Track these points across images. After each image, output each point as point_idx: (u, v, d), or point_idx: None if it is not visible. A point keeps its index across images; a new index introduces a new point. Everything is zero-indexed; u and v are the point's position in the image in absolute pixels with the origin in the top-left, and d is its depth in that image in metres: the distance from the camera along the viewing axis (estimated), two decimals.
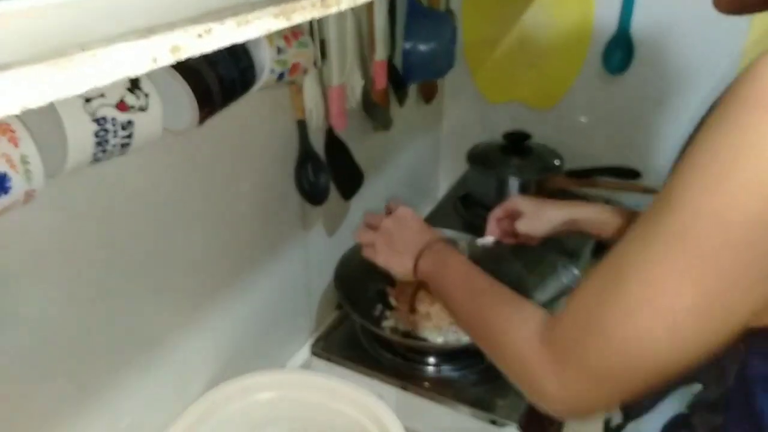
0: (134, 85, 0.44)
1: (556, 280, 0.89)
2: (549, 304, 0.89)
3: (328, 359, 0.88)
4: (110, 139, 0.43)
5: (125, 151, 0.46)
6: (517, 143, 1.16)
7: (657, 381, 0.40)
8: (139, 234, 0.62)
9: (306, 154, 0.82)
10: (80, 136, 0.40)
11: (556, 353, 0.44)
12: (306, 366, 0.93)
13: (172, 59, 0.21)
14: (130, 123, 0.44)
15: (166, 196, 0.64)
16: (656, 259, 0.37)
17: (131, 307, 0.64)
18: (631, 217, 0.74)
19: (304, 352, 0.94)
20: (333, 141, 0.87)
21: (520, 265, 0.90)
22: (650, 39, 1.09)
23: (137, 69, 0.20)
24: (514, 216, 0.84)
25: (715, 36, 1.03)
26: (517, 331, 0.48)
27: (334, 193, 0.87)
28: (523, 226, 0.82)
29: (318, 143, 0.84)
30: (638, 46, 1.10)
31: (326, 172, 0.84)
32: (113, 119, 0.43)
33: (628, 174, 1.17)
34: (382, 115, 1.00)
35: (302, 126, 0.80)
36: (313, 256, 0.94)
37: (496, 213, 0.85)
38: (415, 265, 0.67)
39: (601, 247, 1.16)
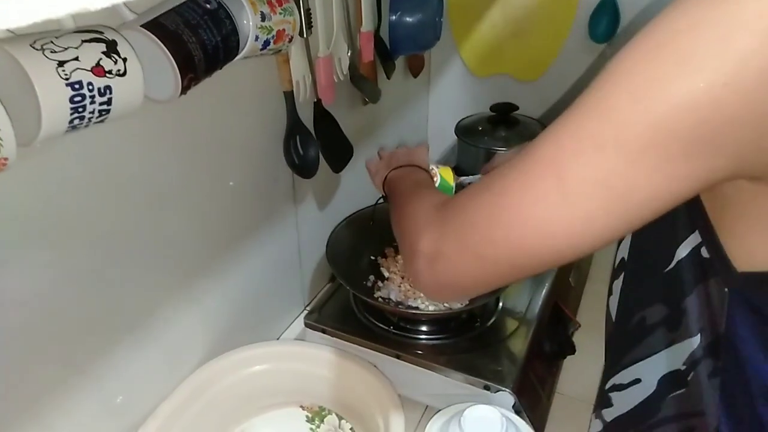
0: (111, 48, 0.44)
1: None
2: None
3: (322, 331, 0.88)
4: (87, 105, 0.42)
5: (104, 118, 0.45)
6: (503, 115, 1.16)
7: (540, 256, 0.39)
8: (125, 209, 0.61)
9: (294, 127, 0.82)
10: (54, 101, 0.40)
11: (441, 213, 0.44)
12: (300, 338, 0.93)
13: None
14: (108, 88, 0.43)
15: (151, 169, 0.63)
16: (571, 119, 0.36)
17: (120, 285, 0.63)
18: None
19: (298, 324, 0.95)
20: (321, 113, 0.86)
21: None
22: (636, 5, 1.08)
23: (97, 2, 0.19)
24: None
25: None
26: (419, 205, 0.50)
27: (324, 167, 0.87)
28: None
29: (306, 116, 0.84)
30: (624, 12, 1.09)
31: (315, 145, 0.84)
32: (90, 84, 0.42)
33: None
34: (370, 88, 0.99)
35: (290, 98, 0.79)
36: (305, 229, 0.94)
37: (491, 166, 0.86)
38: (384, 180, 0.73)
39: None
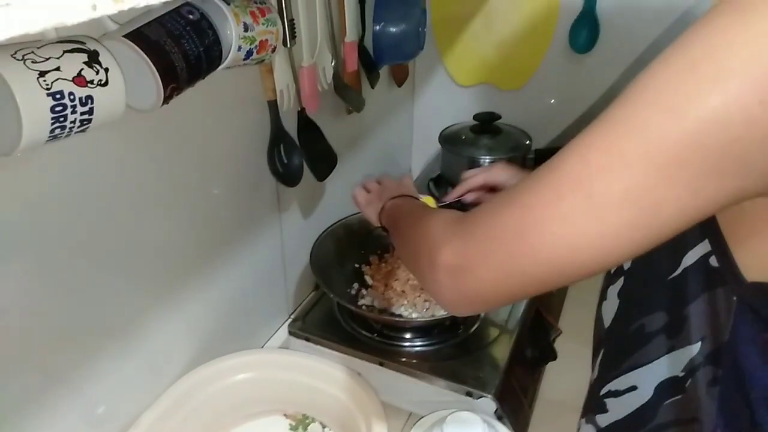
0: (92, 58, 0.44)
1: None
2: None
3: (306, 339, 0.89)
4: (69, 115, 0.43)
5: (86, 128, 0.45)
6: (487, 124, 1.17)
7: (565, 272, 0.39)
8: (107, 218, 0.61)
9: (278, 136, 0.82)
10: (35, 111, 0.40)
11: (462, 227, 0.43)
12: (284, 347, 0.93)
13: (113, 8, 0.21)
14: (89, 98, 0.44)
15: (134, 177, 0.63)
16: (599, 134, 0.36)
17: (102, 293, 0.63)
18: None
19: (282, 332, 0.95)
20: (305, 122, 0.87)
21: None
22: (616, 16, 1.10)
23: (74, 17, 0.20)
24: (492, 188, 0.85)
25: (681, 11, 1.04)
26: (433, 218, 0.49)
27: (308, 175, 0.87)
28: None
29: (290, 125, 0.84)
30: (604, 24, 1.11)
31: (299, 153, 0.85)
32: (71, 94, 0.42)
33: None
34: (354, 98, 1.00)
35: (274, 107, 0.80)
36: (289, 237, 0.94)
37: (474, 182, 0.87)
38: (381, 211, 0.73)
39: None
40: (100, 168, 0.59)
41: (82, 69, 0.43)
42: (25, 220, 0.52)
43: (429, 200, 0.86)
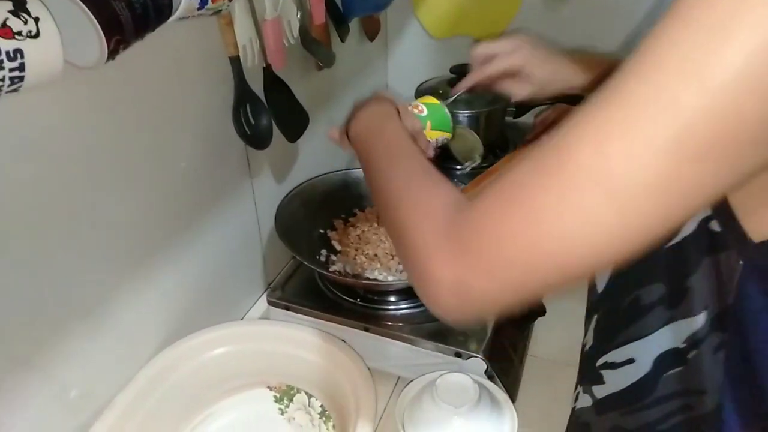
0: (18, 6, 0.39)
1: None
2: None
3: (286, 308, 0.85)
4: None
5: (18, 86, 0.40)
6: (464, 76, 1.12)
7: (581, 273, 0.34)
8: (65, 191, 0.57)
9: (243, 95, 0.77)
10: None
11: (460, 235, 0.37)
12: (265, 317, 0.90)
13: None
14: (18, 52, 0.39)
15: (91, 144, 0.58)
16: (616, 120, 0.30)
17: (67, 271, 0.59)
18: None
19: (262, 303, 0.91)
20: (272, 80, 0.81)
21: None
22: None
23: None
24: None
25: None
26: (424, 207, 0.42)
27: (278, 137, 0.82)
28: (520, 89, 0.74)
29: (257, 84, 0.79)
30: None
31: (267, 113, 0.79)
32: None
33: (576, 101, 1.15)
34: (323, 52, 0.94)
35: (236, 63, 0.74)
36: (263, 203, 0.90)
37: (490, 70, 0.76)
38: (348, 126, 0.62)
39: None
40: (52, 137, 0.54)
41: (6, 18, 0.38)
42: None
43: (430, 100, 0.75)
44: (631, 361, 0.49)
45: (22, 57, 0.39)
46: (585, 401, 0.54)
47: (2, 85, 0.39)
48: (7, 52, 0.38)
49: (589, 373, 0.53)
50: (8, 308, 0.53)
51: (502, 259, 0.35)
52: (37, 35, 0.40)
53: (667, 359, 0.46)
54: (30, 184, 0.53)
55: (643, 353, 0.48)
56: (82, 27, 0.46)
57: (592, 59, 0.73)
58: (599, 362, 0.52)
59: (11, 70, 0.39)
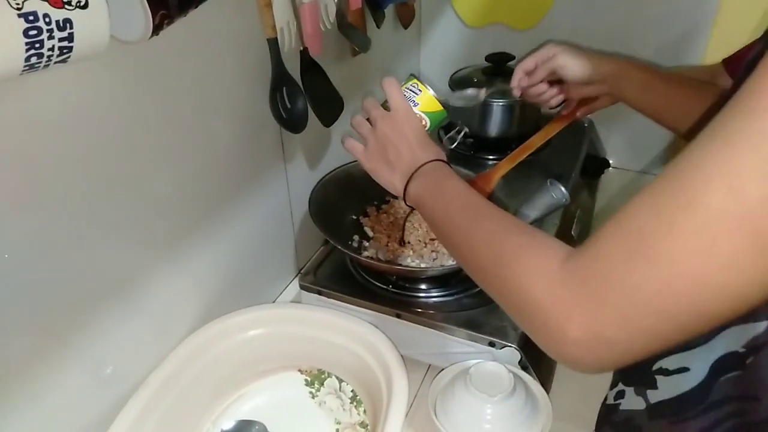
0: None
1: (545, 196, 0.84)
2: (538, 223, 0.86)
3: (318, 293, 0.85)
4: (45, 40, 0.37)
5: (66, 57, 0.40)
6: (499, 65, 1.11)
7: (716, 322, 0.34)
8: (104, 169, 0.57)
9: (280, 78, 0.77)
10: (5, 33, 0.35)
11: (585, 287, 0.36)
12: (296, 301, 0.90)
13: None
14: (67, 22, 0.39)
15: (129, 124, 0.58)
16: (741, 157, 0.29)
17: (104, 251, 0.59)
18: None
19: (294, 287, 0.91)
20: (309, 64, 0.81)
21: (503, 184, 0.87)
22: None
23: None
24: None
25: None
26: (529, 261, 0.41)
27: (313, 121, 0.82)
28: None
29: (293, 68, 0.78)
30: None
31: (303, 97, 0.79)
32: (46, 16, 0.37)
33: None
34: (359, 37, 0.93)
35: (274, 45, 0.74)
36: (296, 188, 0.90)
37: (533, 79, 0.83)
38: (406, 188, 0.61)
39: (591, 166, 1.14)
40: (92, 115, 0.54)
41: None
42: (14, 175, 0.48)
43: (428, 100, 0.72)
44: (684, 369, 0.47)
45: (71, 27, 0.39)
46: (636, 403, 0.52)
47: (51, 55, 0.39)
48: (57, 22, 0.38)
49: (642, 376, 0.51)
50: (48, 286, 0.54)
51: (636, 308, 0.34)
52: (86, 6, 0.40)
53: (723, 363, 0.44)
54: (75, 162, 0.54)
55: (698, 362, 0.46)
56: (128, 0, 0.46)
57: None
58: (655, 366, 0.49)
59: (60, 39, 0.39)
